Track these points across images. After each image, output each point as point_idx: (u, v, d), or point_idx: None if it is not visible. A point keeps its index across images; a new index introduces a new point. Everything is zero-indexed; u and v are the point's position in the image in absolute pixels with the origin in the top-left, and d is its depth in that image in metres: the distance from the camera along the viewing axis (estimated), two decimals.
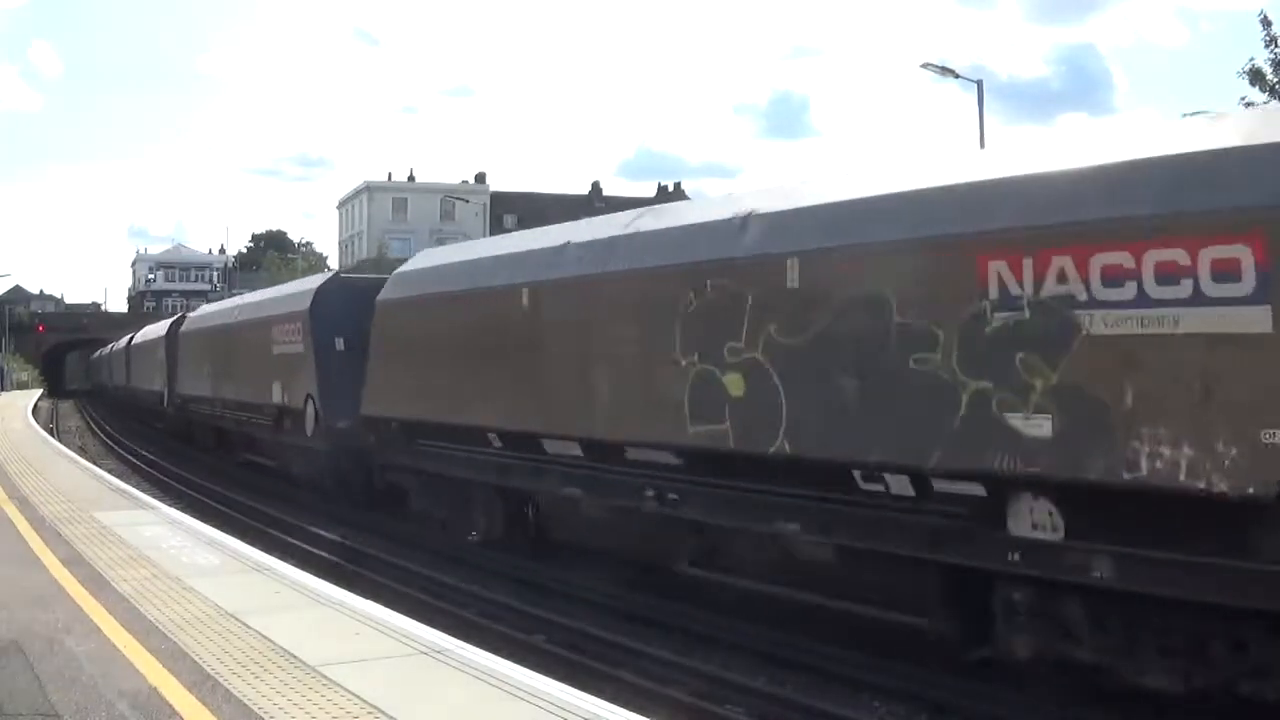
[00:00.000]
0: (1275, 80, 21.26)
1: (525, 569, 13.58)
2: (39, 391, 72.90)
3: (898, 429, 8.56)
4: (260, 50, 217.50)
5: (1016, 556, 7.98)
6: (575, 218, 14.72)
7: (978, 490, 8.20)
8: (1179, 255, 6.96)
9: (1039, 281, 7.65)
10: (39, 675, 6.71)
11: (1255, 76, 21.40)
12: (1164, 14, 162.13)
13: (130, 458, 31.39)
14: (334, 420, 18.33)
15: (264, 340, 22.17)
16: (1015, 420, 7.72)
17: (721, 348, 10.09)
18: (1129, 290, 7.20)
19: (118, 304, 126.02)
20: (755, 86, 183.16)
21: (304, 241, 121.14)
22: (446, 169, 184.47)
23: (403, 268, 18.23)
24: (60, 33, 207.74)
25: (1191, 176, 7.12)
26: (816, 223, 9.57)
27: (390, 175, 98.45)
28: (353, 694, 6.26)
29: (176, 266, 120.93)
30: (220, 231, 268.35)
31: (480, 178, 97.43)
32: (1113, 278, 7.29)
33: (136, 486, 19.55)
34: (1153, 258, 7.08)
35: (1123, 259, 7.23)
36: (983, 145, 28.47)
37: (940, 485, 8.45)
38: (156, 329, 38.79)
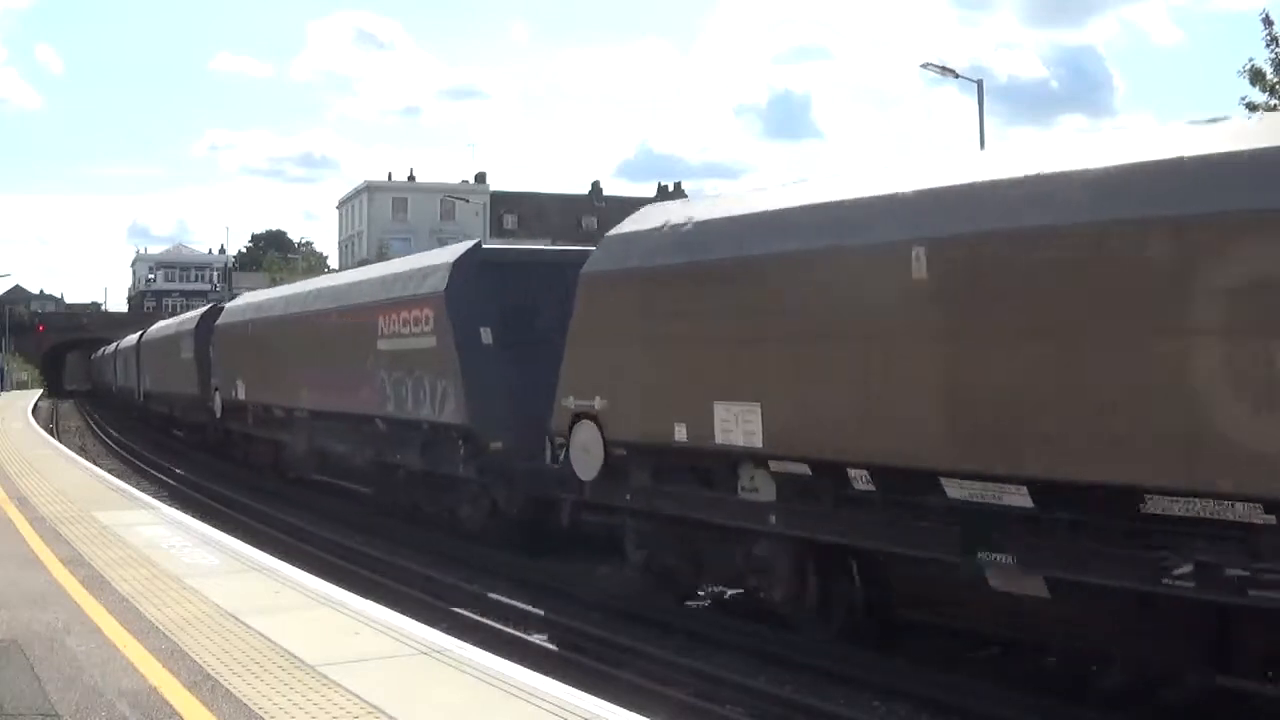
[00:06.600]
0: (1275, 80, 21.20)
1: (525, 569, 13.61)
2: (39, 391, 72.93)
3: (390, 398, 16.84)
4: (263, 51, 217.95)
5: (473, 470, 15.02)
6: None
7: (426, 427, 15.85)
8: (418, 313, 15.57)
9: (386, 325, 16.56)
10: (39, 675, 6.71)
11: (1255, 76, 21.34)
12: (1161, 16, 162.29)
13: (120, 450, 31.53)
14: (211, 401, 27.33)
15: (177, 348, 32.40)
16: (409, 391, 15.95)
17: (349, 357, 18.24)
18: (407, 328, 15.92)
19: (118, 304, 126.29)
20: (755, 87, 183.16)
21: (304, 241, 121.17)
22: (446, 169, 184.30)
23: (230, 302, 29.42)
24: (61, 32, 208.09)
25: (419, 276, 16.02)
26: (362, 293, 18.59)
27: (390, 175, 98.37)
28: (352, 693, 6.26)
29: (177, 266, 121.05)
30: (220, 231, 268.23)
31: (480, 178, 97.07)
32: (397, 321, 16.24)
33: (136, 486, 19.57)
34: (407, 314, 15.94)
35: (403, 313, 16.06)
36: (983, 145, 28.45)
37: (425, 423, 16.03)
38: (132, 338, 48.42)
